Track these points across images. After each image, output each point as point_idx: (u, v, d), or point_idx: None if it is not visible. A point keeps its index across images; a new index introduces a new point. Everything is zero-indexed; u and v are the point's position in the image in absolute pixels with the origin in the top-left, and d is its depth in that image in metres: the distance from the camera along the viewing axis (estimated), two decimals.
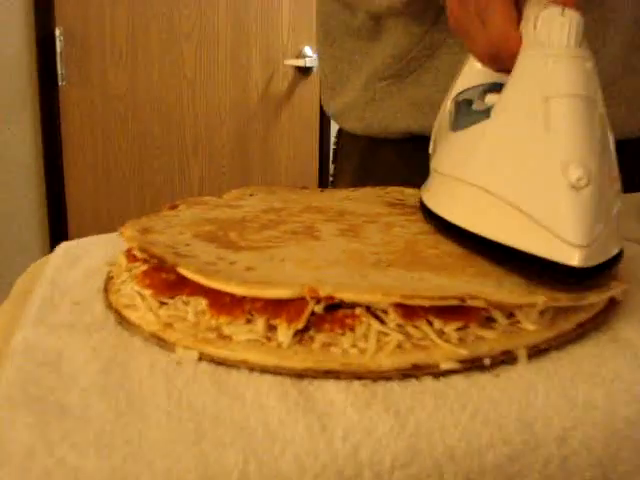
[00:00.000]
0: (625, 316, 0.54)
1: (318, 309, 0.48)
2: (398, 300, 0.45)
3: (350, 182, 1.01)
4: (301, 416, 0.41)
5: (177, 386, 0.44)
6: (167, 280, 0.52)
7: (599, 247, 0.47)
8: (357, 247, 0.58)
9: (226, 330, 0.49)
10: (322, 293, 0.46)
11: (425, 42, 0.91)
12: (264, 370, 0.47)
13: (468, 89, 0.69)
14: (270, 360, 0.47)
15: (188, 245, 0.59)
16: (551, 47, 0.52)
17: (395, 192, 0.83)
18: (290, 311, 0.48)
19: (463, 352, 0.46)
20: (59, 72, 2.48)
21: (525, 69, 0.54)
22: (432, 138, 0.75)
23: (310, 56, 2.95)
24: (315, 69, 3.00)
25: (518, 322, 0.49)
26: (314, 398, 0.43)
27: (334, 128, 1.14)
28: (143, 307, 0.52)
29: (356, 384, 0.45)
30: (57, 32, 2.44)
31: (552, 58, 0.52)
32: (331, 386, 0.45)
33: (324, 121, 3.03)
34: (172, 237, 0.60)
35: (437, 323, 0.47)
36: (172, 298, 0.52)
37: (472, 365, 0.47)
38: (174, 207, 0.78)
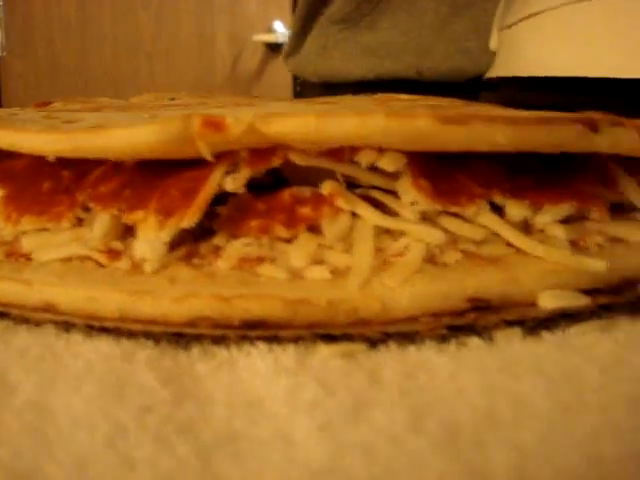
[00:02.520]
0: None
1: (235, 184, 0.20)
2: (430, 129, 0.17)
3: None
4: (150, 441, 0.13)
5: None
6: None
7: None
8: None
9: (26, 243, 0.21)
10: (234, 126, 0.18)
11: None
12: (96, 326, 0.18)
13: None
14: (109, 300, 0.18)
15: (14, 114, 0.30)
16: None
17: (384, 99, 0.54)
18: (170, 193, 0.20)
19: (598, 265, 0.18)
20: None
21: None
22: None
23: (282, 31, 2.67)
24: None
25: None
26: (200, 395, 0.15)
27: None
28: None
29: (324, 354, 0.17)
30: None
31: None
32: (258, 361, 0.16)
33: None
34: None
35: (515, 207, 0.19)
36: None
37: (615, 301, 0.19)
38: (45, 104, 0.49)
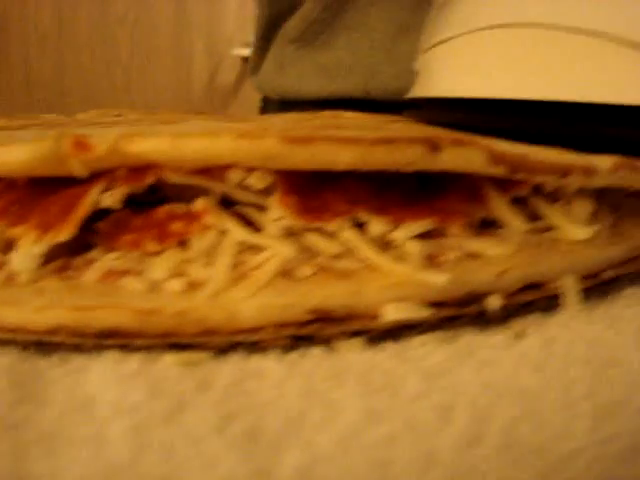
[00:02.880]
0: None
1: (111, 200, 0.20)
2: (274, 149, 0.18)
3: None
4: None
5: None
6: None
7: None
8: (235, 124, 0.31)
9: None
10: (99, 145, 0.19)
11: (327, 1, 0.78)
12: None
13: None
14: None
15: None
16: None
17: (328, 116, 0.55)
18: (50, 211, 0.21)
19: (438, 278, 0.19)
20: None
21: None
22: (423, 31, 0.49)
23: None
24: None
25: (549, 230, 0.23)
26: (43, 397, 0.16)
27: None
28: None
29: (168, 361, 0.17)
30: None
31: None
32: (109, 367, 0.17)
33: None
34: None
35: (376, 223, 0.21)
36: None
37: (460, 313, 0.20)
38: None
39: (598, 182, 0.22)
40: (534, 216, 0.23)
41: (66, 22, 2.47)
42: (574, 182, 0.21)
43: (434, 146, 0.19)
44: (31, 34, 2.42)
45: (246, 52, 2.75)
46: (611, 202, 0.25)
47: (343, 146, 0.18)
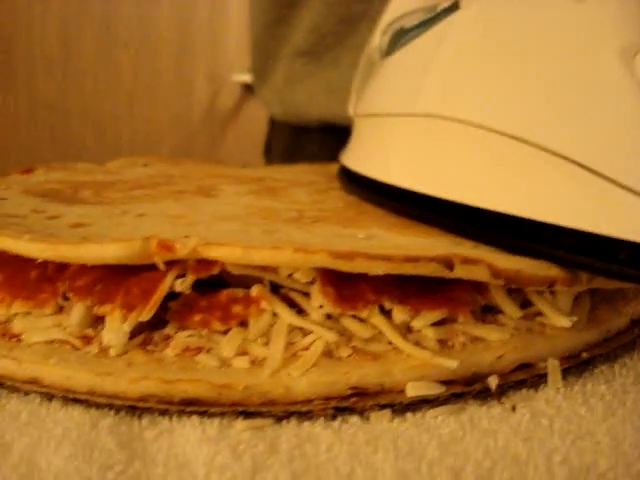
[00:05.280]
0: None
1: (183, 286, 0.25)
2: (323, 261, 0.23)
3: None
4: None
5: None
6: None
7: None
8: (270, 204, 0.36)
9: (17, 326, 0.27)
10: (181, 249, 0.24)
11: (343, 13, 0.77)
12: (71, 397, 0.24)
13: (403, 15, 0.47)
14: (81, 378, 0.24)
15: (4, 199, 0.36)
16: None
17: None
18: (132, 291, 0.26)
19: (451, 363, 0.24)
20: None
21: None
22: (352, 91, 0.53)
23: None
24: None
25: (538, 314, 0.28)
26: (147, 456, 0.21)
27: None
28: None
29: (240, 427, 0.22)
30: None
31: None
32: (190, 431, 0.22)
33: None
34: None
35: (399, 312, 0.25)
36: None
37: (466, 390, 0.25)
38: (28, 171, 0.54)
39: (579, 288, 0.27)
40: (527, 302, 0.29)
41: (71, 46, 2.51)
42: (559, 288, 0.26)
43: (448, 264, 0.24)
44: (36, 57, 2.46)
45: (246, 78, 2.79)
46: (589, 290, 0.30)
47: (379, 262, 0.23)
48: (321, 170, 0.56)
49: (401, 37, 0.44)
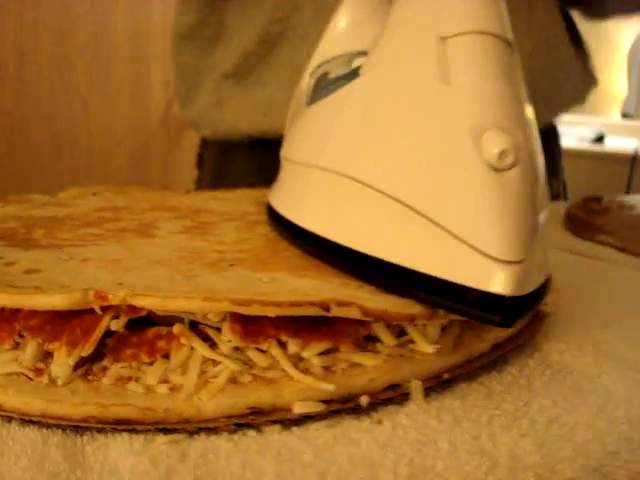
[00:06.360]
0: (555, 334, 0.40)
1: (117, 326, 0.32)
2: (226, 307, 0.30)
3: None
4: None
5: None
6: None
7: (532, 265, 0.31)
8: (198, 245, 0.42)
9: None
10: (113, 299, 0.30)
11: (262, 34, 0.83)
12: (26, 419, 0.30)
13: (331, 59, 0.54)
14: (34, 404, 0.30)
15: None
16: None
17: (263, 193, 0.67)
18: (75, 331, 0.32)
19: (328, 387, 0.31)
20: None
21: (410, 5, 0.39)
22: (287, 124, 0.60)
23: None
24: None
25: (410, 342, 0.34)
26: (86, 466, 0.27)
27: None
28: None
29: (160, 441, 0.29)
30: None
31: None
32: (121, 444, 0.29)
33: None
34: None
35: (292, 345, 0.32)
36: None
37: (342, 407, 0.32)
38: None
39: (438, 321, 0.34)
40: (403, 331, 0.35)
41: (26, 52, 2.51)
42: (420, 322, 0.33)
43: (326, 307, 0.31)
44: None
45: None
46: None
47: (271, 307, 0.30)
48: (259, 198, 0.62)
49: (324, 87, 0.51)
